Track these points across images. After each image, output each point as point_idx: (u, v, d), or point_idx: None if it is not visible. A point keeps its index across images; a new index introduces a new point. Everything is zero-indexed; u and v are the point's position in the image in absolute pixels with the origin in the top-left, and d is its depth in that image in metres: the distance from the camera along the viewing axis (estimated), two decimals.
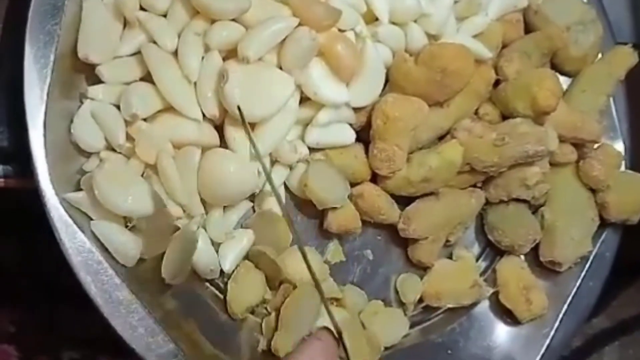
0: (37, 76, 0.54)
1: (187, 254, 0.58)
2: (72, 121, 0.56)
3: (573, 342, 0.97)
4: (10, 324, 0.84)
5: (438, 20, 0.65)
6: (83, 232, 0.55)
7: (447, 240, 0.68)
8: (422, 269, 0.68)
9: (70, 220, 0.55)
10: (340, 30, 0.62)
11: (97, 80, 0.58)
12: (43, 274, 0.82)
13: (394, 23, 0.64)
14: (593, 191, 0.69)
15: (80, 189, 0.56)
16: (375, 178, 0.66)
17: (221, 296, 0.63)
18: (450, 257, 0.70)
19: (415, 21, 0.65)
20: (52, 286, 0.79)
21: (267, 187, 0.61)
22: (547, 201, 0.69)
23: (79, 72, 0.58)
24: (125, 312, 0.56)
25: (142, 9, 0.58)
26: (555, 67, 0.71)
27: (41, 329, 0.84)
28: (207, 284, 0.62)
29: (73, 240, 0.55)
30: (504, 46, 0.69)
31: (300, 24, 0.58)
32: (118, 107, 0.57)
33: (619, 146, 0.72)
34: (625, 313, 0.96)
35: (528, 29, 0.71)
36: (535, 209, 0.70)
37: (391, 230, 0.67)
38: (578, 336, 0.98)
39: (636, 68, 0.71)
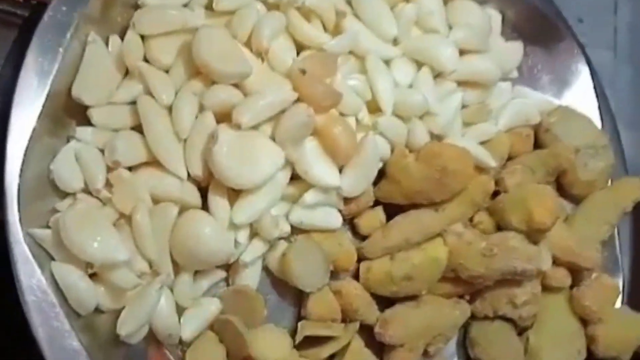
0: (26, 109, 0.54)
1: (146, 313, 0.56)
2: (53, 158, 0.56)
3: None
4: None
5: (443, 121, 0.64)
6: (42, 271, 0.54)
7: (426, 351, 0.65)
8: None
9: (30, 257, 0.53)
10: (342, 114, 0.61)
11: (88, 124, 0.57)
12: None
13: (398, 116, 0.64)
14: (584, 323, 0.66)
15: (49, 228, 0.55)
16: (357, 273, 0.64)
17: None
18: None
19: (420, 118, 0.64)
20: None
21: (243, 259, 0.60)
22: (534, 324, 0.67)
23: (71, 114, 0.57)
24: None
25: (145, 61, 0.58)
26: (562, 189, 0.70)
27: None
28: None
29: (30, 278, 0.53)
30: (510, 159, 0.68)
31: (299, 100, 0.58)
32: (104, 152, 0.57)
33: (618, 281, 0.70)
34: None
35: (538, 146, 0.70)
36: (521, 330, 0.67)
37: (368, 331, 0.64)
38: None
39: None
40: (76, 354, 0.54)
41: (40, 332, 0.53)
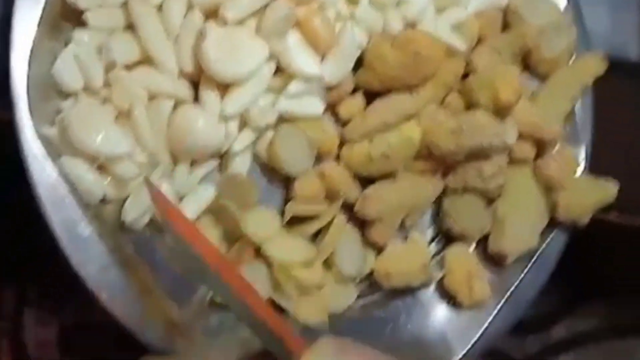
0: (27, 16, 0.57)
1: (148, 201, 0.60)
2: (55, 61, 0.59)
3: (529, 349, 1.00)
4: None
5: (416, 8, 0.68)
6: (52, 166, 0.58)
7: (403, 224, 0.71)
8: (378, 249, 0.70)
9: (40, 153, 0.58)
10: (321, 6, 0.64)
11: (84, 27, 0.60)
12: None
13: (374, 6, 0.67)
14: (547, 191, 0.72)
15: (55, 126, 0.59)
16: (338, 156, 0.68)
17: None
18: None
19: (395, 7, 0.68)
20: None
21: (234, 148, 0.64)
22: (501, 195, 0.72)
23: (68, 19, 0.60)
24: (82, 247, 0.59)
25: None
26: (528, 68, 0.73)
27: None
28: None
29: (41, 173, 0.58)
30: (479, 42, 0.72)
31: None
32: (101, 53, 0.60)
33: (579, 151, 0.74)
34: (582, 326, 0.99)
35: (506, 28, 0.73)
36: (490, 202, 0.72)
37: (350, 208, 0.69)
38: (534, 345, 1.01)
39: (608, 81, 0.73)
40: (88, 239, 0.60)
41: (54, 222, 0.58)
